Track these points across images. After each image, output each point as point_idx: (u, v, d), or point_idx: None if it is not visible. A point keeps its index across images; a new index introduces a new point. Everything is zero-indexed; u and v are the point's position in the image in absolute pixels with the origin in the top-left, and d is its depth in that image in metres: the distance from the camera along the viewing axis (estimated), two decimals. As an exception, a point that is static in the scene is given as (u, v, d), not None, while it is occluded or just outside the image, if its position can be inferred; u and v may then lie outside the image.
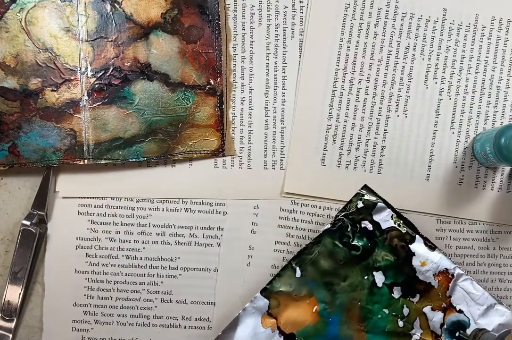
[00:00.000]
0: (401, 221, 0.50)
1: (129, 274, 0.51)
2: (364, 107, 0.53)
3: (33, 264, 0.49)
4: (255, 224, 0.52)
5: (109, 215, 0.51)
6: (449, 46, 0.53)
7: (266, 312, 0.48)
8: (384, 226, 0.50)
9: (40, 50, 0.48)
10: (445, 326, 0.50)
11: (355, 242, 0.49)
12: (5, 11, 0.48)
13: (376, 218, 0.50)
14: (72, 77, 0.49)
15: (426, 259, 0.49)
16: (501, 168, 0.53)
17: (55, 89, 0.48)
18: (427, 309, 0.49)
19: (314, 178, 0.52)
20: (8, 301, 0.49)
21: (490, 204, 0.53)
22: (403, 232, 0.50)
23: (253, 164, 0.52)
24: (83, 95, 0.49)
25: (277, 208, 0.52)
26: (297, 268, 0.48)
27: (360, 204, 0.49)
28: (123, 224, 0.51)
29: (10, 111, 0.48)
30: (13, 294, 0.49)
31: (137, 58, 0.50)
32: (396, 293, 0.49)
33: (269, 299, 0.48)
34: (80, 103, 0.49)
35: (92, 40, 0.49)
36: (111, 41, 0.49)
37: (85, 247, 0.51)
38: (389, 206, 0.50)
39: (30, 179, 0.51)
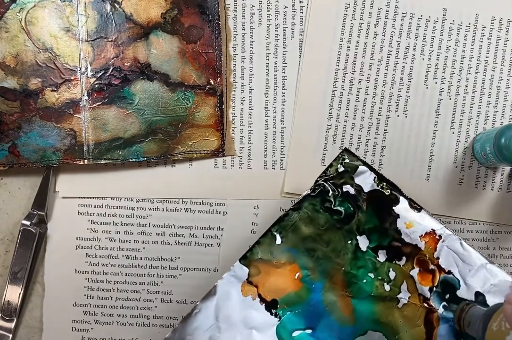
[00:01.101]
0: (384, 183, 0.48)
1: (129, 274, 0.51)
2: (364, 107, 0.53)
3: (33, 264, 0.49)
4: (255, 224, 0.52)
5: (109, 215, 0.51)
6: (449, 46, 0.53)
7: (246, 280, 0.47)
8: (366, 188, 0.48)
9: (40, 50, 0.48)
10: (433, 288, 0.48)
11: (337, 207, 0.48)
12: (5, 11, 0.48)
13: (358, 181, 0.48)
14: (72, 77, 0.49)
15: (411, 221, 0.48)
16: (501, 169, 0.53)
17: (55, 89, 0.48)
18: (414, 272, 0.48)
19: (314, 178, 0.52)
20: (8, 301, 0.49)
21: (490, 204, 0.53)
22: (387, 194, 0.48)
23: (253, 164, 0.52)
24: (83, 95, 0.49)
25: (277, 208, 0.52)
26: (277, 235, 0.47)
27: (341, 168, 0.48)
28: (123, 224, 0.51)
29: (10, 111, 0.48)
30: (13, 294, 0.49)
31: (137, 58, 0.50)
32: (381, 257, 0.48)
33: (248, 267, 0.47)
34: (80, 103, 0.49)
35: (92, 40, 0.49)
36: (111, 41, 0.49)
37: (85, 247, 0.51)
38: (371, 168, 0.48)
39: (30, 179, 0.51)
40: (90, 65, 0.49)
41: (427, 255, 0.48)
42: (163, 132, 0.50)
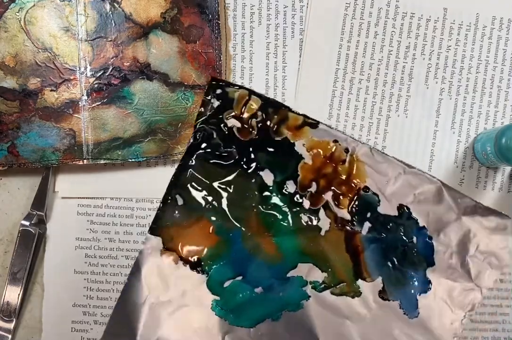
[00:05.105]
0: (269, 109, 0.43)
1: (129, 275, 0.51)
2: (364, 107, 0.52)
3: (32, 265, 0.49)
4: (255, 224, 0.52)
5: (109, 215, 0.51)
6: (450, 46, 0.53)
7: (163, 248, 0.46)
8: (254, 118, 0.44)
9: (39, 50, 0.48)
10: (353, 210, 0.44)
11: (226, 148, 0.44)
12: (4, 10, 0.48)
13: (240, 111, 0.44)
14: (72, 77, 0.49)
15: (310, 139, 0.43)
16: (501, 169, 0.53)
17: (55, 89, 0.48)
18: (328, 196, 0.44)
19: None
20: (8, 301, 0.49)
21: (491, 204, 0.52)
22: (275, 117, 0.43)
23: (253, 164, 0.52)
24: (83, 95, 0.49)
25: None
26: (177, 196, 0.45)
27: (215, 102, 0.44)
28: (123, 224, 0.51)
29: (9, 111, 0.48)
30: (13, 294, 0.49)
31: (137, 58, 0.49)
32: (291, 188, 0.44)
33: (160, 236, 0.46)
34: (80, 103, 0.49)
35: (91, 40, 0.49)
36: (111, 40, 0.49)
37: (85, 247, 0.51)
38: (252, 92, 0.43)
39: (29, 179, 0.51)
40: (90, 65, 0.49)
41: (337, 172, 0.44)
42: (162, 132, 0.50)
